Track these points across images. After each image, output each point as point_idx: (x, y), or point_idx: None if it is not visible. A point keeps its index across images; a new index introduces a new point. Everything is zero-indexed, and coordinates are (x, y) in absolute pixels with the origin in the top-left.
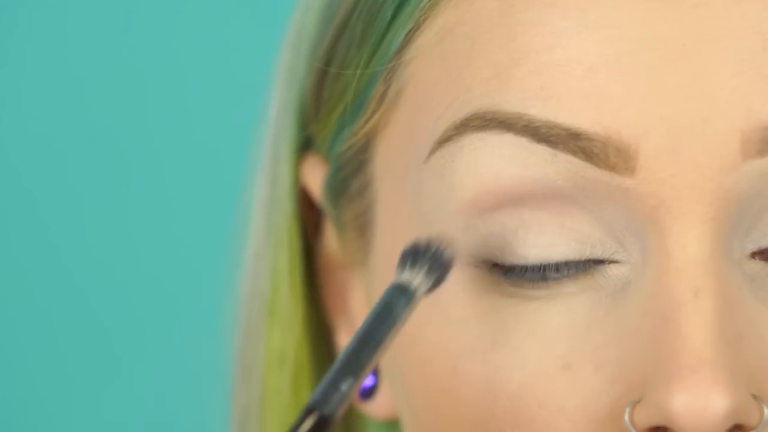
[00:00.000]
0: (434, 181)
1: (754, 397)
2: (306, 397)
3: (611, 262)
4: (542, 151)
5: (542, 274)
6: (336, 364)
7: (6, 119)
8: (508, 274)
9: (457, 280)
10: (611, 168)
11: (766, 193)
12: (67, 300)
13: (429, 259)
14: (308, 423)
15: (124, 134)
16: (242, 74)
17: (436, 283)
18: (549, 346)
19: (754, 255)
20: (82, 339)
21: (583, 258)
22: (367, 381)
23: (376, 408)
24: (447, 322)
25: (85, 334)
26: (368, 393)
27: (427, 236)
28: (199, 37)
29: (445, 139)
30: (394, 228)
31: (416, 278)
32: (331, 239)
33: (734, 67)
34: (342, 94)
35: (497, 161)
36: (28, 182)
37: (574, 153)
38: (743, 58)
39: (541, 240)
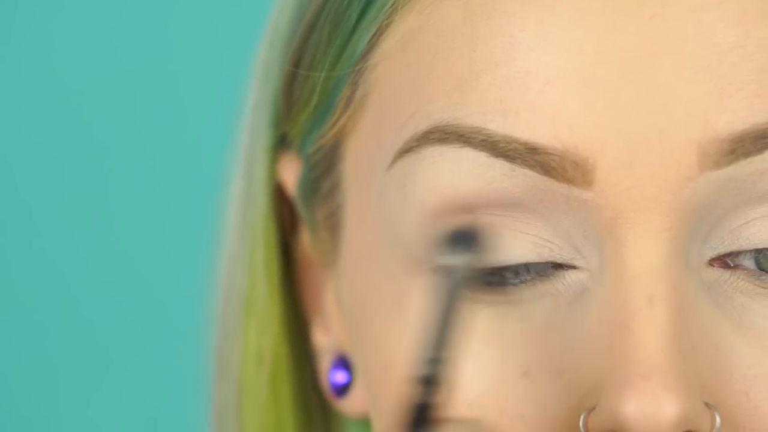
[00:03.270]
0: (396, 190)
1: (707, 405)
2: (284, 395)
3: (570, 267)
4: (500, 165)
5: (501, 277)
6: (424, 348)
7: None
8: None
9: (418, 287)
10: (569, 181)
11: (724, 203)
12: (52, 301)
13: (477, 243)
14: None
15: (102, 133)
16: (218, 73)
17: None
18: (508, 353)
19: (712, 262)
20: (71, 341)
21: (541, 260)
22: (341, 378)
23: (351, 404)
24: (408, 329)
25: (72, 336)
26: (343, 390)
27: (471, 224)
28: (177, 35)
29: (406, 150)
30: (360, 232)
31: (467, 261)
32: (305, 237)
33: (690, 79)
34: (310, 95)
35: (456, 175)
36: (16, 184)
37: (531, 167)
38: (699, 70)
39: (499, 242)
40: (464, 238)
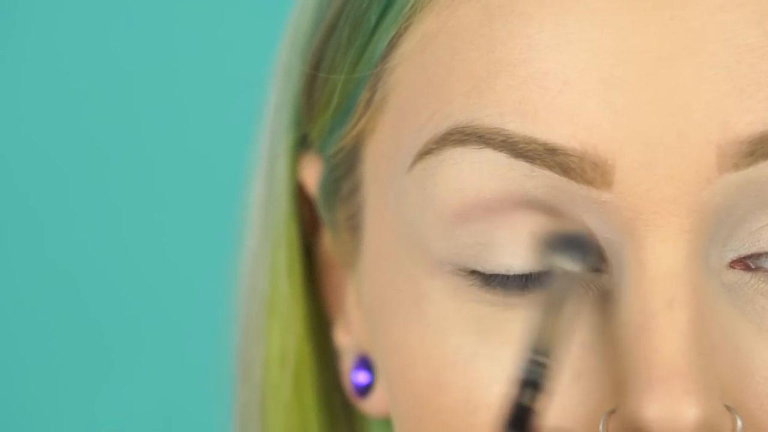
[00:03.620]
0: (416, 192)
1: (728, 408)
2: (308, 395)
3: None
4: (521, 166)
5: (523, 282)
6: (530, 346)
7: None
8: (488, 281)
9: (438, 288)
10: (588, 182)
11: (744, 204)
12: (61, 299)
13: (590, 250)
14: (528, 395)
15: (121, 134)
16: (239, 72)
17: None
18: None
19: (732, 264)
20: (77, 338)
21: None
22: (363, 378)
23: (373, 405)
24: (428, 331)
25: (80, 334)
26: (365, 390)
27: (579, 230)
28: (195, 35)
29: (426, 152)
30: (379, 233)
31: (578, 266)
32: (327, 238)
33: (709, 80)
34: (330, 97)
35: (477, 176)
36: (23, 183)
37: (551, 168)
38: (718, 71)
39: (521, 248)
40: (579, 244)
